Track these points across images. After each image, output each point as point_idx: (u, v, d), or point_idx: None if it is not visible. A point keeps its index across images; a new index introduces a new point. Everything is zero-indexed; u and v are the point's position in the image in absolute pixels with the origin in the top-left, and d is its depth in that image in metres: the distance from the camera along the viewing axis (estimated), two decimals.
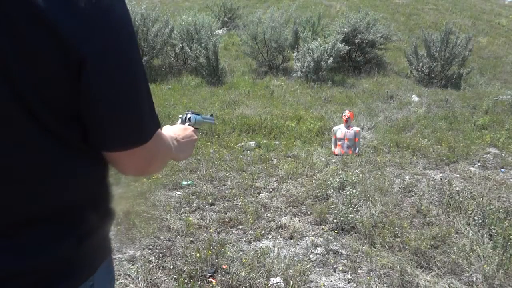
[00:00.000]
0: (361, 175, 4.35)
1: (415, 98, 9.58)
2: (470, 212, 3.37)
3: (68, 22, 0.51)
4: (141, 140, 0.63)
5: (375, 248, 2.89)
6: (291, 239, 3.07)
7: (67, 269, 0.62)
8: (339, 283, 2.51)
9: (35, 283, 0.58)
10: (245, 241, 3.01)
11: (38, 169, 0.57)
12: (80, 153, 0.61)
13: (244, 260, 2.61)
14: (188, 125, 1.07)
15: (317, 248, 2.94)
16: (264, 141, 6.11)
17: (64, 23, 0.51)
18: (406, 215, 3.48)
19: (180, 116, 1.10)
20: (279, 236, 3.10)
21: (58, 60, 0.52)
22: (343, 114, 5.88)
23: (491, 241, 2.84)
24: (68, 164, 0.60)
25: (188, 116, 1.09)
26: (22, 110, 0.53)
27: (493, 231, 2.97)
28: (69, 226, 0.62)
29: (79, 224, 0.63)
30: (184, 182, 4.16)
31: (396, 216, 3.39)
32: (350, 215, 3.24)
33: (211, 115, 1.25)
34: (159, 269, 2.53)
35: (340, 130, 5.79)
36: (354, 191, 3.76)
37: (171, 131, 0.94)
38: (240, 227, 3.24)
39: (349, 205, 3.42)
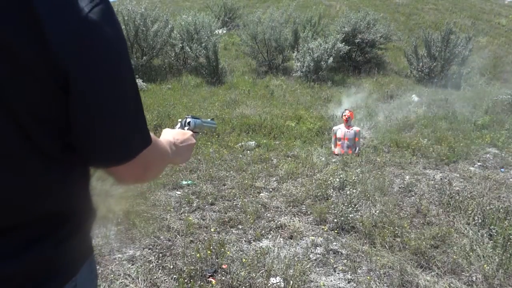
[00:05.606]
0: (361, 175, 4.35)
1: (415, 98, 9.59)
2: (470, 212, 3.37)
3: (58, 35, 0.51)
4: (126, 158, 0.64)
5: (375, 248, 2.89)
6: (291, 239, 3.07)
7: (50, 271, 0.62)
8: (339, 283, 2.51)
9: (19, 285, 0.59)
10: (245, 241, 3.01)
11: (17, 178, 0.57)
12: (59, 162, 0.61)
13: (244, 260, 2.61)
14: (187, 129, 1.06)
15: (317, 248, 2.94)
16: (264, 141, 6.11)
17: (55, 34, 0.51)
18: (406, 215, 3.48)
19: (180, 120, 1.09)
20: (279, 236, 3.10)
21: (42, 70, 0.52)
22: (343, 114, 5.88)
23: (491, 241, 2.83)
24: (46, 173, 0.60)
25: (188, 120, 1.09)
26: (7, 119, 0.52)
27: (493, 231, 2.97)
28: (48, 229, 0.62)
29: (58, 228, 0.63)
30: (184, 182, 4.16)
31: (396, 216, 3.39)
32: (350, 215, 3.24)
33: (212, 119, 1.25)
34: (159, 269, 2.53)
35: (340, 130, 5.79)
36: (354, 191, 3.75)
37: (170, 135, 0.95)
38: (240, 227, 3.24)
39: (349, 205, 3.42)
